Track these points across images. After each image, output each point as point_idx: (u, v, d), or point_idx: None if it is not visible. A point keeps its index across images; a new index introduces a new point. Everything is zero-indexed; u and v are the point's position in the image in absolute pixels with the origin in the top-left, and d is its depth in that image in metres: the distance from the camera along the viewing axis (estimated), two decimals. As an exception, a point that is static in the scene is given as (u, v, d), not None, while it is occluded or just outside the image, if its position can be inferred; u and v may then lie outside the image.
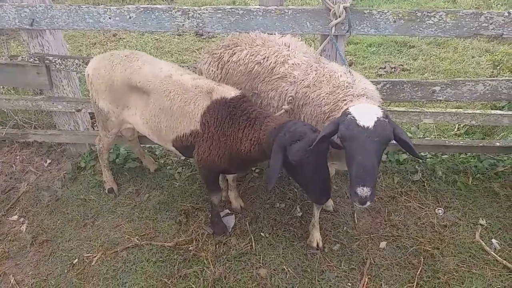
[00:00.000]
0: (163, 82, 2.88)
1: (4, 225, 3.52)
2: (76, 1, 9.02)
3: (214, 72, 3.06)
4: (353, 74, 2.73)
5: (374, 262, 3.05)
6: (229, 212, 3.49)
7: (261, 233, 3.30)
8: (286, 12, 3.21)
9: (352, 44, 7.20)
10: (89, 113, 4.17)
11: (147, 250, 3.18)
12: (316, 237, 3.17)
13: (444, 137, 4.29)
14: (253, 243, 3.20)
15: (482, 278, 2.89)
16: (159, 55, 6.96)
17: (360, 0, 8.83)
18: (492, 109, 4.46)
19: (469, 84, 3.40)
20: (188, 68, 3.48)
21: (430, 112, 3.60)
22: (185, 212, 3.50)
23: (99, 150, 3.58)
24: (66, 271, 3.08)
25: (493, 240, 3.18)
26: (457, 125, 4.48)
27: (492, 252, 3.06)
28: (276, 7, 3.23)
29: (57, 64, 3.71)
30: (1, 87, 4.88)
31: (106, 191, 3.74)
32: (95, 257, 3.16)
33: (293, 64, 2.84)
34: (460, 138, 4.30)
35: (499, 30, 3.12)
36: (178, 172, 3.94)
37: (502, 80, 3.37)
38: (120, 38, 7.84)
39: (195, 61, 6.07)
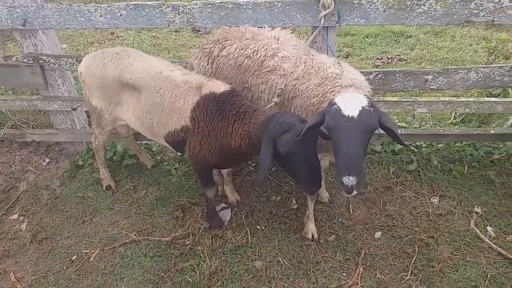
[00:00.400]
0: (153, 78, 2.90)
1: (5, 224, 3.58)
2: None
3: (205, 67, 3.08)
4: (342, 65, 2.73)
5: (369, 252, 3.07)
6: (225, 206, 3.52)
7: (257, 226, 3.32)
8: (276, 5, 3.20)
9: (350, 36, 7.16)
10: (85, 111, 4.20)
11: (144, 246, 3.22)
12: (311, 228, 3.19)
13: (440, 126, 4.28)
14: (249, 236, 3.23)
15: (476, 266, 2.90)
16: (156, 52, 6.98)
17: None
18: (487, 97, 4.43)
19: (461, 72, 3.38)
20: (181, 64, 3.50)
21: (423, 101, 3.59)
22: (181, 207, 3.53)
23: (95, 148, 3.62)
24: (65, 267, 3.13)
25: (488, 228, 3.19)
26: (453, 114, 4.46)
27: (487, 240, 3.07)
28: (265, 0, 3.23)
29: (51, 63, 3.73)
30: (-1, 88, 4.93)
31: (104, 188, 3.78)
32: (93, 253, 3.20)
33: (282, 57, 2.85)
34: (456, 126, 4.30)
35: (490, 16, 3.09)
36: (175, 168, 3.97)
37: (494, 67, 3.35)
38: (118, 36, 7.85)
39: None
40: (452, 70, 3.39)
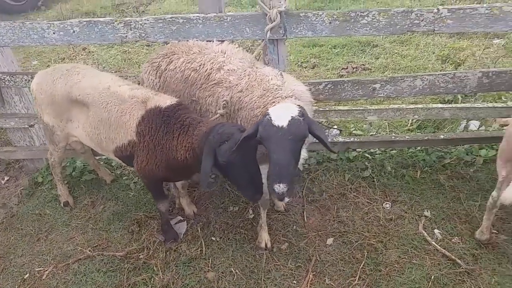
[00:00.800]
0: (101, 94, 2.94)
1: (-42, 244, 3.53)
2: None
3: (153, 80, 3.13)
4: (284, 76, 2.82)
5: (320, 258, 3.12)
6: (182, 219, 3.54)
7: (212, 238, 3.35)
8: (225, 19, 3.28)
9: (318, 47, 7.30)
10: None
11: (98, 261, 3.22)
12: (264, 237, 3.23)
13: (396, 133, 4.39)
14: (204, 248, 3.25)
15: (421, 268, 2.97)
16: (126, 66, 7.03)
17: (329, 2, 8.99)
18: (441, 103, 4.58)
19: (407, 80, 3.50)
20: (135, 78, 3.55)
21: (373, 109, 3.69)
22: (138, 221, 3.54)
23: (51, 164, 3.61)
24: (16, 286, 3.10)
25: (436, 231, 3.28)
26: (410, 120, 4.59)
27: (433, 242, 3.15)
28: (215, 14, 3.31)
29: (6, 81, 3.74)
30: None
31: (62, 205, 3.77)
32: (46, 271, 3.18)
33: (228, 70, 2.92)
34: (412, 133, 4.41)
35: (431, 26, 3.21)
36: (134, 182, 3.98)
37: (438, 74, 3.48)
38: (90, 51, 7.87)
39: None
40: (399, 78, 3.51)
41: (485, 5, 3.18)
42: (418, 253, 3.10)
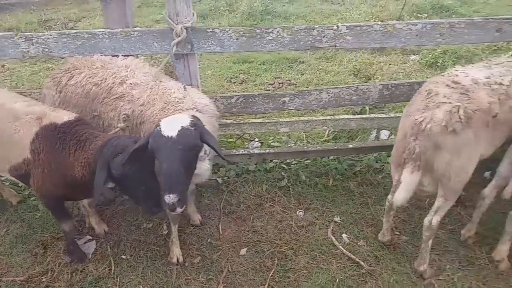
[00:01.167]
0: (-6, 111, 2.79)
1: None
2: None
3: (54, 96, 3.04)
4: (188, 90, 2.86)
5: (232, 269, 3.14)
6: (90, 238, 3.40)
7: (122, 256, 3.25)
8: (132, 34, 3.28)
9: (247, 63, 7.48)
10: None
11: (-5, 289, 3.00)
12: (176, 252, 3.19)
13: (313, 144, 4.58)
14: (113, 267, 3.14)
15: (328, 272, 3.08)
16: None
17: (261, 21, 9.27)
18: (358, 114, 4.85)
19: (314, 93, 3.69)
20: (40, 94, 3.42)
21: (285, 121, 3.84)
22: (43, 243, 3.36)
23: None
24: None
25: (344, 235, 3.43)
26: (327, 131, 4.81)
27: (340, 246, 3.29)
28: (121, 29, 3.29)
29: None
30: None
31: (-41, 231, 3.48)
32: None
33: (131, 83, 2.91)
34: (329, 143, 4.62)
35: (332, 42, 3.41)
36: (42, 203, 3.77)
37: (342, 87, 3.70)
38: (9, 68, 7.48)
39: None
40: (306, 92, 3.69)
41: (379, 22, 3.46)
42: (326, 257, 3.22)
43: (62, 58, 3.49)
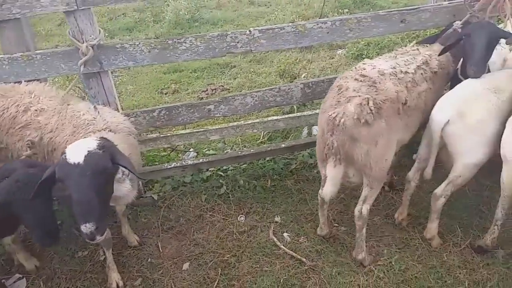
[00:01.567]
0: None
1: None
2: None
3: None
4: (99, 109, 2.72)
5: (175, 286, 3.04)
6: (20, 276, 3.16)
7: (56, 290, 3.04)
8: (35, 57, 3.08)
9: (178, 72, 7.34)
10: None
11: None
12: (114, 278, 3.04)
13: (249, 147, 4.57)
14: (46, 306, 2.93)
15: (272, 274, 3.08)
16: None
17: (189, 28, 9.12)
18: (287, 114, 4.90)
19: (238, 99, 3.66)
20: None
21: (214, 129, 3.79)
22: (-37, 293, 3.05)
23: None
24: None
25: (285, 234, 3.44)
26: (262, 134, 4.82)
27: (282, 246, 3.30)
28: (22, 53, 3.08)
29: None
30: None
31: None
32: None
33: (36, 110, 2.74)
34: (264, 145, 4.63)
35: (247, 47, 3.39)
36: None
37: (265, 90, 3.71)
38: None
39: None
40: (230, 98, 3.66)
41: (290, 24, 3.51)
42: (269, 259, 3.21)
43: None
